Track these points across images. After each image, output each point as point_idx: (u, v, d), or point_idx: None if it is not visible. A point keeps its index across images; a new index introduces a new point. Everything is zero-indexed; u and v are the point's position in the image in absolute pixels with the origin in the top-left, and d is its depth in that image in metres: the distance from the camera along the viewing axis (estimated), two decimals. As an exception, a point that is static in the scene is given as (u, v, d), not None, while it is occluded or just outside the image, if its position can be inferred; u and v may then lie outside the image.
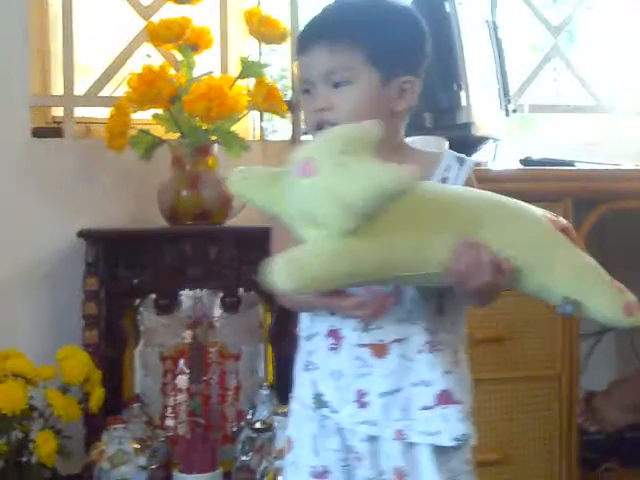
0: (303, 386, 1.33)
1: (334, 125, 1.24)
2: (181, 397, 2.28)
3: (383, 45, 1.28)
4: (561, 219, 1.30)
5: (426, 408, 1.26)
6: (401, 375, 1.26)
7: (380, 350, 1.26)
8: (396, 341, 1.26)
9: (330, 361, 1.29)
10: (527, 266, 1.18)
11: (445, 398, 1.27)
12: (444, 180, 1.32)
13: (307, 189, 1.11)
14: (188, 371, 2.29)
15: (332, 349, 1.29)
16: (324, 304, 1.19)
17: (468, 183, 1.34)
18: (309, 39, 1.30)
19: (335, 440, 1.30)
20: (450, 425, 1.27)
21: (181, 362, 2.29)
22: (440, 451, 1.28)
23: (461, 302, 1.29)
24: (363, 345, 1.27)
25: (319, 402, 1.30)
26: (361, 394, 1.27)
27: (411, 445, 1.27)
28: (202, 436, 2.18)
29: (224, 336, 2.32)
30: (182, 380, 2.29)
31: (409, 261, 1.15)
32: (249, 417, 2.21)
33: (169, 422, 2.29)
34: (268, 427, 2.11)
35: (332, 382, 1.29)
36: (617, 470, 2.44)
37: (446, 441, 1.27)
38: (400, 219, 1.14)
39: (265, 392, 2.21)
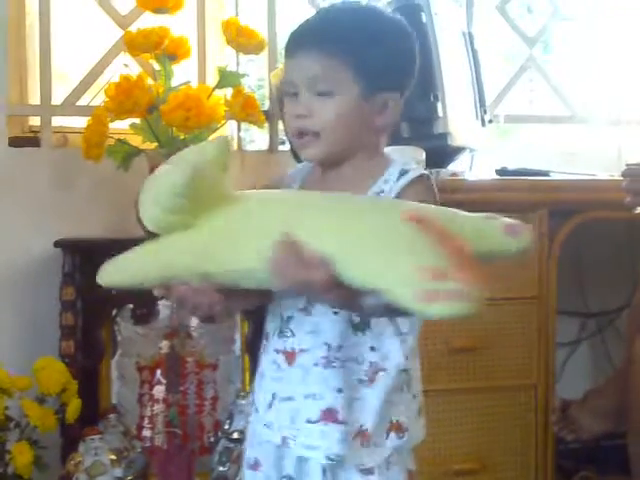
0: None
1: (313, 133, 1.25)
2: (158, 407, 2.27)
3: (370, 61, 1.27)
4: (494, 216, 1.22)
5: (310, 422, 1.27)
6: (297, 384, 1.28)
7: (290, 357, 1.29)
8: (302, 351, 1.28)
9: (261, 362, 1.35)
10: (336, 253, 1.10)
11: (329, 416, 1.26)
12: (379, 194, 1.27)
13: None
14: (165, 381, 2.29)
15: (263, 351, 1.35)
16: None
17: (401, 196, 1.27)
18: (299, 43, 1.28)
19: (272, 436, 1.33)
20: (327, 443, 1.26)
21: (158, 372, 2.28)
22: (335, 474, 1.29)
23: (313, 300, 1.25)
24: (279, 351, 1.30)
25: (254, 401, 1.37)
26: (273, 397, 1.31)
27: (306, 461, 1.29)
28: (179, 447, 2.18)
29: (201, 346, 2.32)
30: (159, 390, 2.28)
31: (220, 256, 1.17)
32: (226, 427, 2.21)
33: (146, 433, 2.27)
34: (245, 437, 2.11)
35: (258, 382, 1.35)
36: (593, 478, 2.45)
37: (320, 458, 1.27)
38: (224, 220, 1.19)
39: (242, 402, 2.20)
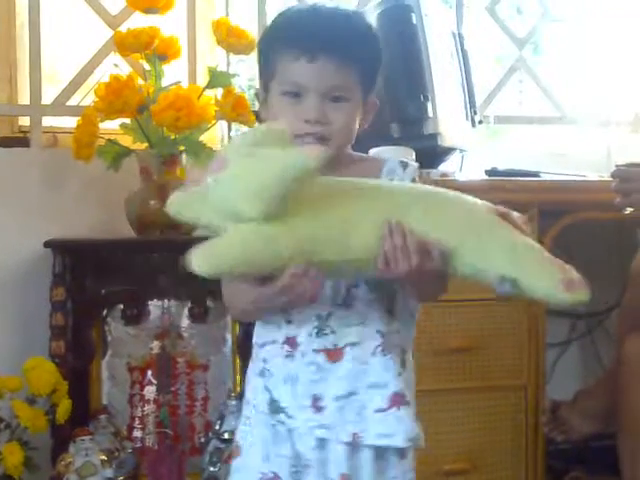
0: (256, 391, 1.35)
1: (320, 138, 1.26)
2: (149, 408, 2.27)
3: (369, 65, 1.32)
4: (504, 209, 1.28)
5: (380, 410, 1.28)
6: (356, 378, 1.28)
7: (335, 354, 1.28)
8: (350, 345, 1.28)
9: (285, 368, 1.31)
10: (458, 248, 1.17)
11: (398, 400, 1.28)
12: None
13: (219, 184, 1.15)
14: (156, 382, 2.28)
15: (288, 356, 1.31)
16: (255, 300, 1.24)
17: None
18: (318, 48, 1.27)
19: (286, 446, 1.32)
20: (404, 426, 1.28)
21: (149, 373, 2.28)
22: (384, 457, 1.30)
23: (406, 295, 1.30)
24: (318, 350, 1.29)
25: (274, 408, 1.32)
26: (316, 399, 1.29)
27: (356, 451, 1.29)
28: (170, 447, 2.18)
29: (192, 346, 2.31)
30: (150, 391, 2.28)
31: (331, 245, 1.16)
32: (217, 428, 2.20)
33: (137, 433, 2.27)
34: (236, 438, 2.11)
35: (288, 388, 1.31)
36: (583, 478, 2.46)
37: (401, 442, 1.28)
38: (322, 204, 1.17)
39: (233, 402, 2.20)
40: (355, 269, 1.20)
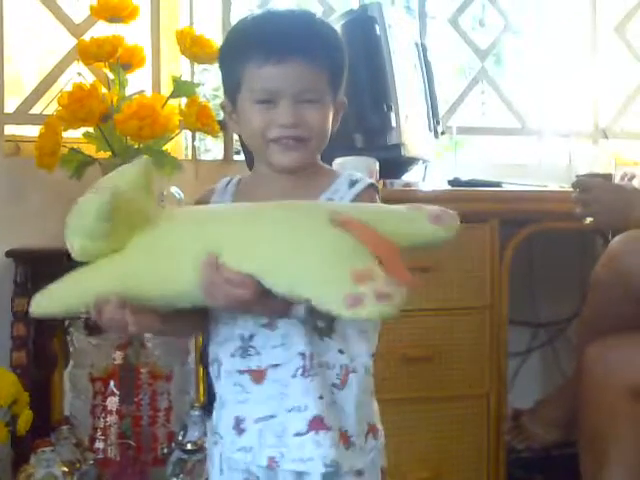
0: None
1: (299, 140, 1.26)
2: (111, 419, 2.26)
3: (339, 66, 1.31)
4: (419, 206, 1.24)
5: (299, 434, 1.24)
6: (277, 401, 1.25)
7: (258, 376, 1.26)
8: (272, 366, 1.25)
9: (217, 388, 1.31)
10: (261, 269, 1.13)
11: (317, 424, 1.24)
12: (329, 200, 1.29)
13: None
14: (118, 392, 2.27)
15: (216, 377, 1.31)
16: None
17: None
18: (284, 50, 1.25)
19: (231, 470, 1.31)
20: (322, 451, 1.24)
21: (111, 383, 2.26)
22: None
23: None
24: (242, 371, 1.27)
25: (213, 429, 1.33)
26: (239, 420, 1.27)
27: (301, 475, 1.26)
28: (132, 458, 2.17)
29: (155, 357, 2.30)
30: (112, 401, 2.26)
31: (152, 280, 1.18)
32: (180, 438, 2.19)
33: (99, 444, 2.25)
34: (199, 448, 2.10)
35: (218, 409, 1.31)
36: (544, 486, 2.48)
37: (319, 467, 1.24)
38: (148, 242, 1.20)
39: (196, 413, 2.19)
40: (190, 301, 1.19)
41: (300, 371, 1.24)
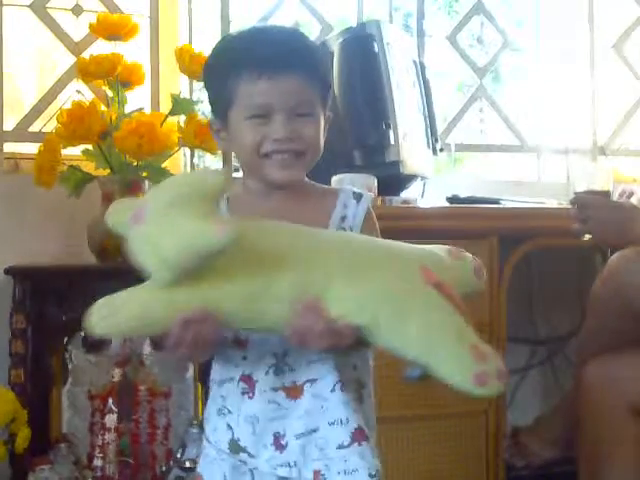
0: (217, 431, 1.32)
1: (296, 154, 1.26)
2: (109, 436, 2.25)
3: (327, 80, 1.33)
4: (463, 255, 1.31)
5: (342, 447, 1.27)
6: (316, 415, 1.27)
7: (294, 392, 1.27)
8: (309, 381, 1.27)
9: (244, 406, 1.29)
10: (373, 326, 1.14)
11: (359, 435, 1.27)
12: (343, 219, 1.32)
13: (134, 238, 1.12)
14: (117, 410, 2.26)
15: (245, 394, 1.29)
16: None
17: (366, 220, 1.33)
18: (277, 65, 1.25)
19: None
20: (366, 462, 1.27)
21: (110, 401, 2.26)
22: None
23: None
24: (277, 389, 1.27)
25: (235, 447, 1.30)
26: (277, 437, 1.27)
27: None
28: (131, 476, 2.16)
29: (154, 374, 2.30)
30: (111, 419, 2.26)
31: (241, 312, 1.14)
32: (178, 456, 2.19)
33: (97, 462, 2.25)
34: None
35: (248, 427, 1.29)
36: (543, 504, 2.47)
37: (364, 478, 1.27)
38: (236, 269, 1.13)
39: (195, 430, 2.19)
40: (273, 332, 1.18)
41: (339, 385, 1.27)
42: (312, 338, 1.13)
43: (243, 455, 1.29)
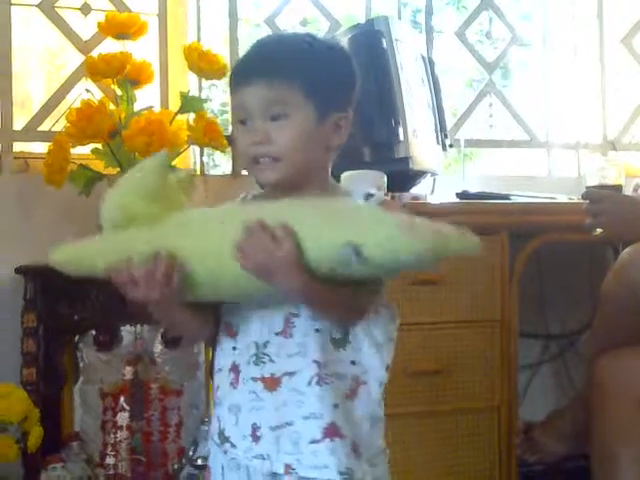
0: (213, 421, 1.35)
1: (273, 158, 1.27)
2: (121, 434, 2.26)
3: (319, 82, 1.30)
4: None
5: (314, 442, 1.26)
6: (292, 408, 1.26)
7: (272, 384, 1.27)
8: (287, 374, 1.26)
9: (230, 396, 1.31)
10: (304, 225, 1.15)
11: (332, 431, 1.26)
12: None
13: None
14: (128, 408, 2.27)
15: (232, 384, 1.30)
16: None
17: None
18: (247, 73, 1.30)
19: (240, 474, 1.31)
20: (337, 458, 1.26)
21: (121, 399, 2.27)
22: None
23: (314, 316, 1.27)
24: (256, 379, 1.28)
25: (222, 437, 1.32)
26: (255, 428, 1.28)
27: None
28: (143, 474, 2.16)
29: (165, 372, 2.30)
30: (122, 417, 2.26)
31: (194, 247, 1.20)
32: (190, 454, 2.19)
33: (109, 460, 2.25)
34: (210, 463, 2.10)
35: (232, 417, 1.30)
36: (556, 499, 2.47)
37: (334, 475, 1.26)
38: (188, 217, 1.26)
39: (206, 428, 2.19)
40: (218, 274, 1.20)
41: (315, 379, 1.26)
42: (255, 245, 1.15)
43: (227, 445, 1.31)
